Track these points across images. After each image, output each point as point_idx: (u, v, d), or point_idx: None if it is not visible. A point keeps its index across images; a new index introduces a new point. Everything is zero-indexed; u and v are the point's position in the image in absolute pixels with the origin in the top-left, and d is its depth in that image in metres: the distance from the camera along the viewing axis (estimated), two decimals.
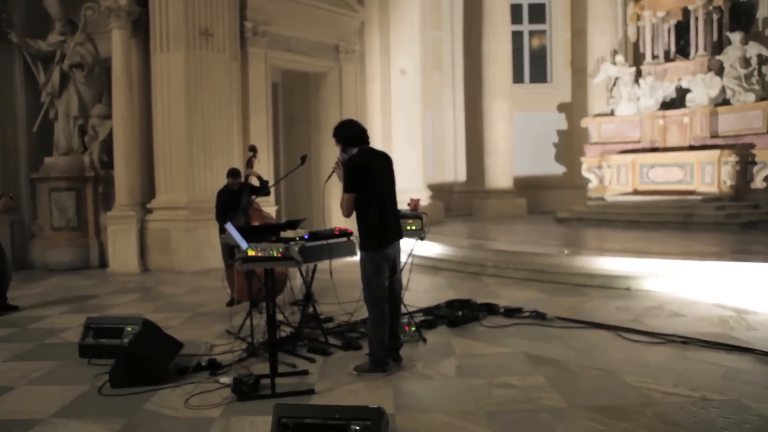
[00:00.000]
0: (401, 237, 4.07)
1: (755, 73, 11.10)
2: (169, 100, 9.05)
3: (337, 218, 11.49)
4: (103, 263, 9.39)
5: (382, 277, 3.90)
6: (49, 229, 9.58)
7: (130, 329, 4.21)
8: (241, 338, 4.68)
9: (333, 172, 3.96)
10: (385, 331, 3.89)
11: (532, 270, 7.29)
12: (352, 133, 3.92)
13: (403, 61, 12.45)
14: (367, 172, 3.82)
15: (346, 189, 3.82)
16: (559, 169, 15.88)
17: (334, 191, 11.59)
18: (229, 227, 3.77)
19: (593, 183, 12.85)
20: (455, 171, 16.13)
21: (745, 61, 11.12)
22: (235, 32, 9.68)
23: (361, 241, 3.91)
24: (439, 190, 14.57)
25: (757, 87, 11.06)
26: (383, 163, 3.98)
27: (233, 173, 6.27)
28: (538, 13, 16.27)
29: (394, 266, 4.01)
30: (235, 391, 3.54)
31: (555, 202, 14.63)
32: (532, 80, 16.29)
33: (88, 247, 9.53)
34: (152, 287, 7.64)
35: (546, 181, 15.70)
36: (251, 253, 3.61)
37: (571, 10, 15.74)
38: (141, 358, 3.81)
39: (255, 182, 6.35)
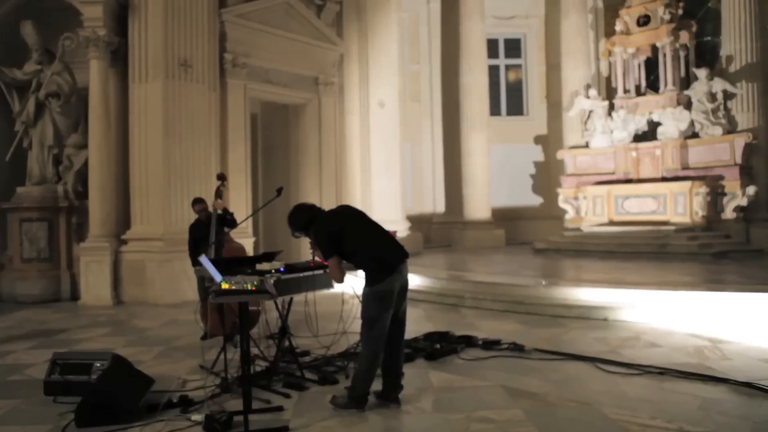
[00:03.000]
0: (407, 255, 3.87)
1: (721, 107, 11.49)
2: (147, 131, 9.00)
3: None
4: (75, 296, 9.14)
5: (385, 313, 3.72)
6: (18, 260, 9.34)
7: (99, 365, 4.07)
8: (214, 373, 4.56)
9: (314, 255, 4.09)
10: (374, 372, 3.78)
11: (510, 301, 7.29)
12: (304, 218, 3.91)
13: (381, 94, 12.61)
14: (336, 230, 3.80)
15: (327, 255, 3.79)
16: (536, 200, 16.09)
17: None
18: (204, 260, 3.71)
19: (570, 214, 13.03)
20: (434, 202, 16.24)
21: (712, 96, 11.52)
22: (214, 63, 9.73)
23: (368, 280, 3.78)
24: (417, 221, 14.61)
25: (723, 121, 11.44)
26: (343, 213, 4.02)
27: (197, 201, 6.24)
28: (514, 48, 16.70)
29: (400, 300, 3.82)
30: (207, 429, 3.43)
31: (533, 232, 14.77)
32: (509, 113, 16.62)
33: (60, 279, 9.28)
34: (125, 320, 7.45)
35: (524, 212, 15.87)
36: (225, 285, 3.55)
37: (545, 45, 16.20)
38: (109, 395, 3.68)
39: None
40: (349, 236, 3.80)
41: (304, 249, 11.60)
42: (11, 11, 9.78)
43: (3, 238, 9.78)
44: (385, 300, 3.72)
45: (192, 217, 6.45)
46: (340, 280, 3.83)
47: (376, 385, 3.89)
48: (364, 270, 3.82)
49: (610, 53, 13.44)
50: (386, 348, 3.84)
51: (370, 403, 3.82)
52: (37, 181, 9.57)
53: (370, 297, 3.74)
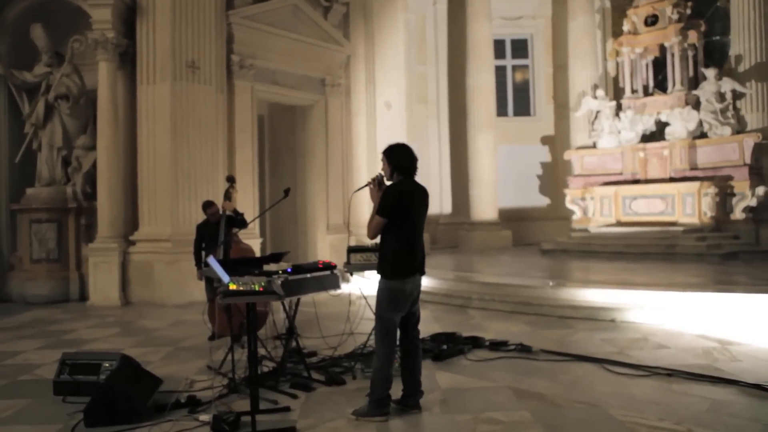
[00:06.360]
0: (423, 273, 3.86)
1: (730, 107, 11.42)
2: (155, 132, 9.05)
3: (322, 251, 11.47)
4: (83, 296, 9.21)
5: (397, 312, 3.71)
6: (28, 261, 9.41)
7: (107, 365, 4.10)
8: (222, 374, 4.58)
9: (367, 185, 3.88)
10: (390, 370, 3.70)
11: (517, 302, 7.27)
12: (405, 163, 3.78)
13: (388, 95, 12.61)
14: (408, 204, 3.72)
15: (381, 212, 3.68)
16: (543, 201, 16.04)
17: (319, 223, 11.56)
18: (212, 261, 3.73)
19: (577, 214, 12.99)
20: (441, 203, 16.22)
21: (720, 96, 11.45)
22: (221, 65, 9.77)
23: (383, 268, 3.73)
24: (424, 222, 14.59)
25: (732, 121, 11.36)
26: (422, 198, 3.85)
27: (209, 204, 6.24)
28: (520, 48, 16.67)
29: (413, 305, 3.80)
30: (215, 429, 3.45)
31: (540, 233, 14.72)
32: (516, 113, 16.58)
33: (68, 280, 9.34)
34: (133, 321, 7.49)
35: (531, 213, 15.83)
36: (233, 286, 3.57)
37: (552, 45, 16.15)
38: (118, 395, 3.70)
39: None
40: (403, 218, 3.71)
41: (311, 250, 11.66)
42: (21, 14, 9.86)
43: (13, 239, 9.86)
44: (397, 299, 3.69)
45: (202, 216, 6.48)
46: (372, 237, 3.76)
47: (396, 393, 3.81)
48: (387, 256, 3.73)
49: (617, 53, 13.40)
50: (404, 351, 3.81)
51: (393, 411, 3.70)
52: (47, 183, 9.65)
53: (385, 290, 3.70)
